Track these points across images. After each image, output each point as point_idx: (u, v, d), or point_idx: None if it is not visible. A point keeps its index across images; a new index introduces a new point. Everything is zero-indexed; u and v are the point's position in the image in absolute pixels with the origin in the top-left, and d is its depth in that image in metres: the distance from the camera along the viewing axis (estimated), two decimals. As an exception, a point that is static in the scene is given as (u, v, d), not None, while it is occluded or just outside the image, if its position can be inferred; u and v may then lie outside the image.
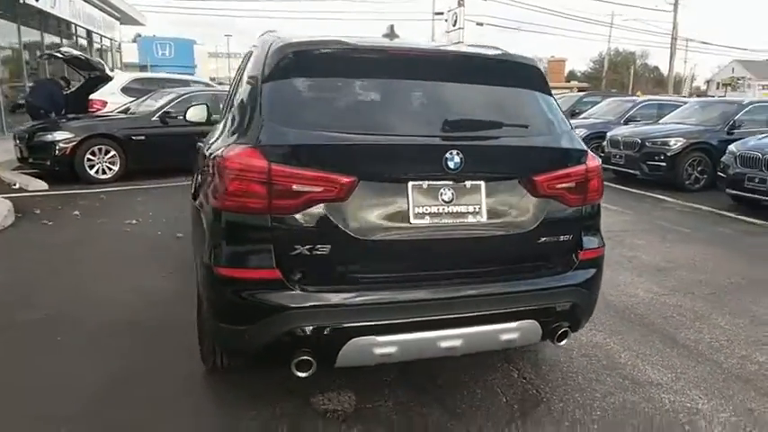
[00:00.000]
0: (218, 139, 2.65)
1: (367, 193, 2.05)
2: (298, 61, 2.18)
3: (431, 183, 2.12)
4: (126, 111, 9.44)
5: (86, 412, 2.43)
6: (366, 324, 2.05)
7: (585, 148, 2.42)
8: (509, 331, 2.24)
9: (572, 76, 63.46)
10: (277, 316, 2.01)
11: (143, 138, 8.39)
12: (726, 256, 5.14)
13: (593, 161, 2.40)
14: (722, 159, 7.28)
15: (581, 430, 2.39)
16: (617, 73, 52.60)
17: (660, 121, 10.13)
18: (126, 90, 11.01)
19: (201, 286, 2.31)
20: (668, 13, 45.63)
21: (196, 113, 4.44)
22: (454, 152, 2.09)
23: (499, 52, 2.49)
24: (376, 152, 2.10)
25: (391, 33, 2.64)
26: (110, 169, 8.19)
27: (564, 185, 2.30)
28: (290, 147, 2.01)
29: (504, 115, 2.32)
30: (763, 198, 6.61)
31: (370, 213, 2.07)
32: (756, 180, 6.65)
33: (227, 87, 18.15)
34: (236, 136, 2.21)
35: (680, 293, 4.07)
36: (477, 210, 2.18)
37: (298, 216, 2.01)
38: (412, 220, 2.10)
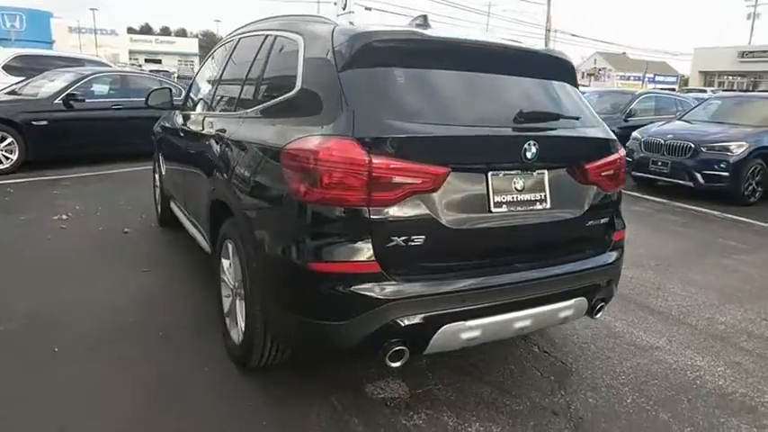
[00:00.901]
0: (246, 125, 2.55)
1: (453, 184, 2.10)
2: (378, 51, 2.15)
3: (506, 172, 2.23)
4: (12, 92, 8.41)
5: (142, 425, 2.26)
6: (456, 310, 2.12)
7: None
8: (566, 309, 2.42)
9: (451, 63, 66.16)
10: (378, 308, 2.01)
11: (45, 123, 7.53)
12: None
13: (622, 150, 2.65)
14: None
15: (617, 394, 2.65)
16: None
17: (681, 119, 8.84)
18: (8, 69, 9.74)
19: (273, 284, 2.21)
20: (541, 5, 48.97)
21: (159, 98, 4.15)
22: (531, 143, 2.21)
23: (544, 48, 2.64)
24: (465, 143, 2.15)
25: (425, 23, 2.66)
26: (6, 158, 7.28)
27: (605, 173, 2.52)
28: (390, 138, 2.00)
29: (559, 107, 2.48)
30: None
31: (457, 203, 2.14)
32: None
33: (127, 69, 16.61)
34: (306, 125, 2.13)
35: None
36: (543, 197, 2.33)
37: (396, 208, 2.02)
38: (492, 209, 2.20)
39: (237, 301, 2.68)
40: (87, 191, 6.55)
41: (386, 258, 2.03)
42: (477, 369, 2.82)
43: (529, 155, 2.22)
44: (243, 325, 2.59)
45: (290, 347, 2.46)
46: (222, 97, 3.32)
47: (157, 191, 5.17)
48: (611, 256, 2.62)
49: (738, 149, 7.18)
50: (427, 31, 2.35)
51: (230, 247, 2.69)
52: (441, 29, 2.70)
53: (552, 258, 2.41)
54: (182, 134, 3.72)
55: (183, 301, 3.47)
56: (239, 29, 3.59)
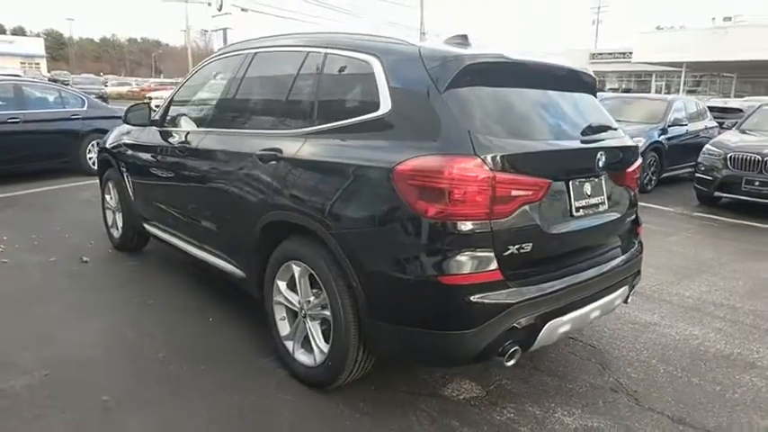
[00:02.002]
0: (314, 144, 2.55)
1: (549, 193, 2.31)
2: (474, 72, 2.29)
3: (580, 180, 2.49)
4: None
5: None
6: (556, 308, 2.34)
7: None
8: (619, 297, 2.75)
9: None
10: (502, 314, 2.16)
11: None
12: None
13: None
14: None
15: (650, 366, 3.04)
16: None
17: (742, 129, 8.22)
18: None
19: (389, 300, 2.26)
20: (409, 9, 50.56)
21: (139, 115, 3.93)
22: (601, 153, 2.49)
23: (578, 67, 2.92)
24: (558, 156, 2.37)
25: (464, 42, 2.80)
26: None
27: (635, 176, 2.89)
28: (507, 155, 2.16)
29: (606, 119, 2.79)
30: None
31: (550, 211, 2.35)
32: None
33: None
34: (413, 144, 2.21)
35: None
36: (603, 200, 2.62)
37: (512, 219, 2.18)
38: (573, 213, 2.45)
39: (309, 323, 2.66)
40: (4, 218, 5.83)
41: (504, 266, 2.19)
42: (527, 361, 3.05)
43: (600, 164, 2.50)
44: (322, 345, 2.59)
45: (404, 361, 2.51)
46: (249, 115, 3.21)
47: (113, 213, 4.80)
48: (639, 246, 2.99)
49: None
50: (517, 56, 2.53)
51: (296, 268, 2.67)
52: (487, 47, 2.89)
53: (610, 253, 2.72)
54: (184, 152, 3.52)
55: (208, 328, 3.32)
56: (245, 43, 3.49)
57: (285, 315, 2.85)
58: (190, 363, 2.90)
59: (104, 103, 9.27)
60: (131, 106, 4.02)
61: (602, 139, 2.63)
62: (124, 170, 4.38)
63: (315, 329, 2.65)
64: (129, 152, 4.29)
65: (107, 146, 4.71)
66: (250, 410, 2.52)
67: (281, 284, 2.80)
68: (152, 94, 23.11)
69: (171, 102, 4.00)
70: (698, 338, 3.41)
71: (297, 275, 2.67)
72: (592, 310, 2.54)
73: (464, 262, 2.13)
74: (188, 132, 3.59)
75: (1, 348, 3.00)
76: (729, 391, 2.83)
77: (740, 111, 12.05)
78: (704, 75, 35.59)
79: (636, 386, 2.84)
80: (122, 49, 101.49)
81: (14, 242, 4.93)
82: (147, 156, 4.03)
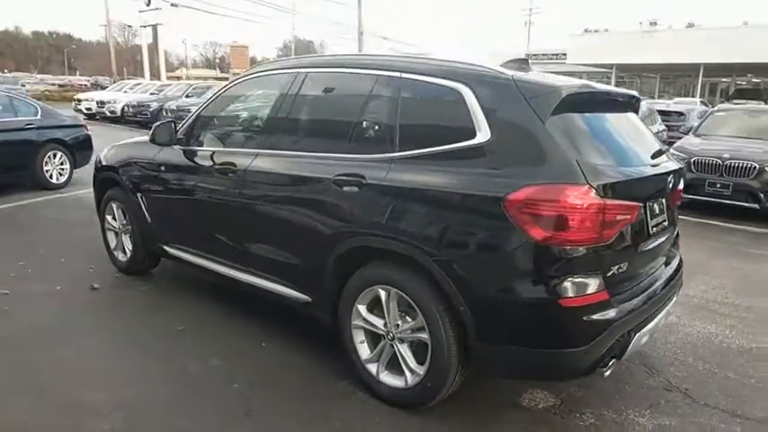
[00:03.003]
0: (403, 170, 2.62)
1: (638, 216, 2.51)
2: (569, 102, 2.44)
3: (653, 201, 2.70)
4: None
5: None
6: (641, 320, 2.54)
7: None
8: (673, 304, 3.00)
9: (257, 62, 64.98)
10: (608, 331, 2.34)
11: None
12: None
13: None
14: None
15: (690, 364, 3.33)
16: (299, 61, 56.17)
17: (698, 134, 8.82)
18: None
19: (503, 323, 2.38)
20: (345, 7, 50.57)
21: (164, 134, 3.85)
22: (671, 177, 2.72)
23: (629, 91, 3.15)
24: (645, 181, 2.57)
25: (525, 65, 2.94)
26: None
27: (681, 193, 3.15)
28: (611, 183, 2.33)
29: (658, 142, 3.03)
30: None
31: (638, 231, 2.55)
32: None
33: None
34: (521, 172, 2.33)
35: None
36: (665, 218, 2.86)
37: (614, 241, 2.36)
38: (650, 232, 2.66)
39: (398, 346, 2.73)
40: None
41: (609, 286, 2.37)
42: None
43: (670, 186, 2.73)
44: (415, 367, 2.67)
45: (512, 378, 2.62)
46: (310, 137, 3.20)
47: (116, 236, 4.60)
48: (680, 257, 3.27)
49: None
50: (591, 84, 2.71)
51: (382, 292, 2.72)
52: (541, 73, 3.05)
53: (668, 265, 2.97)
54: (225, 174, 3.43)
55: (267, 354, 3.29)
56: (290, 61, 3.48)
57: (364, 338, 2.89)
58: (268, 392, 2.88)
59: (58, 111, 8.70)
60: (158, 125, 3.87)
61: (667, 161, 2.86)
62: (137, 190, 4.20)
63: (405, 352, 2.71)
64: (146, 172, 4.13)
65: (110, 164, 4.51)
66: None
67: (362, 308, 2.84)
68: (81, 96, 21.74)
69: (197, 120, 3.89)
70: (717, 336, 3.75)
71: (384, 300, 2.73)
72: (660, 318, 2.77)
73: (580, 284, 2.28)
74: (230, 153, 3.52)
75: (61, 390, 2.85)
76: (761, 383, 3.16)
77: (682, 114, 13.02)
78: (630, 76, 38.00)
79: (685, 384, 3.11)
80: (27, 44, 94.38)
81: (9, 272, 4.60)
82: (172, 176, 3.91)
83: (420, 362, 2.67)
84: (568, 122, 2.45)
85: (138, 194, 4.21)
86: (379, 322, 2.80)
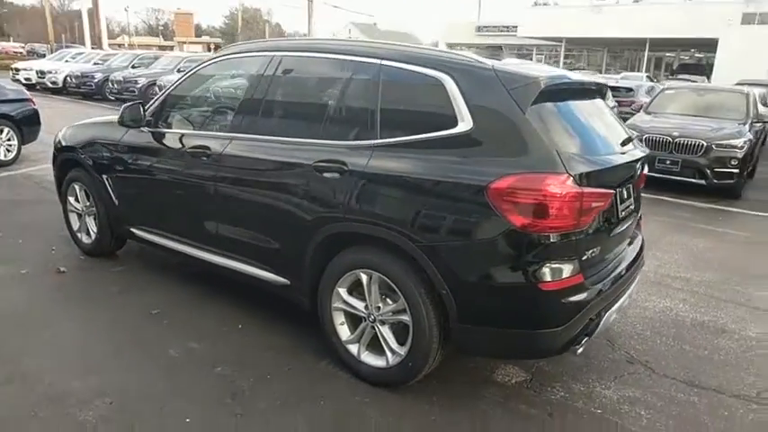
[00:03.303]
0: (385, 158, 2.66)
1: (609, 202, 2.65)
2: (548, 93, 2.53)
3: (622, 187, 2.84)
4: None
5: None
6: (612, 300, 2.70)
7: None
8: (637, 282, 3.19)
9: (202, 30, 62.64)
10: (583, 311, 2.48)
11: None
12: None
13: None
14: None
15: (658, 339, 3.55)
16: (251, 30, 54.52)
17: (648, 111, 9.18)
18: None
19: (484, 306, 2.48)
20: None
21: (133, 116, 3.74)
22: (640, 163, 2.86)
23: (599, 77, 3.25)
24: (617, 169, 2.69)
25: (499, 53, 3.05)
26: None
27: (642, 179, 3.31)
28: (587, 172, 2.44)
29: (626, 129, 3.16)
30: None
31: (609, 216, 2.69)
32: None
33: None
34: (502, 161, 2.41)
35: None
36: (632, 202, 3.01)
37: (589, 227, 2.48)
38: (620, 216, 2.81)
39: (379, 327, 2.81)
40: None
41: (584, 269, 2.50)
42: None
43: (638, 172, 2.87)
44: (396, 347, 2.76)
45: (490, 357, 2.74)
46: (286, 122, 3.18)
47: (79, 217, 4.48)
48: (641, 236, 3.45)
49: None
50: (567, 74, 2.81)
51: (364, 276, 2.79)
52: (516, 63, 3.13)
53: (632, 246, 3.14)
54: (199, 158, 3.38)
55: (245, 336, 3.32)
56: (265, 44, 3.42)
57: (344, 320, 2.96)
58: (251, 373, 2.92)
59: (2, 84, 8.23)
60: (127, 106, 3.75)
61: (635, 149, 3.00)
62: (103, 172, 4.09)
63: (387, 333, 2.80)
64: (112, 154, 4.01)
65: (71, 144, 4.36)
66: (343, 415, 2.64)
67: (342, 291, 2.90)
68: (20, 65, 20.53)
69: (166, 101, 3.80)
70: (672, 310, 4.01)
71: (366, 283, 2.79)
72: (626, 297, 2.95)
73: (558, 269, 2.41)
74: (203, 137, 3.47)
75: (43, 379, 2.80)
76: (715, 354, 3.41)
77: (631, 90, 13.42)
78: (579, 50, 38.78)
79: (645, 357, 3.32)
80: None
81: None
82: (141, 159, 3.82)
83: (401, 342, 2.76)
84: (546, 112, 2.54)
85: (104, 176, 4.10)
86: (359, 305, 2.87)
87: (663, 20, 26.44)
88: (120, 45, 45.96)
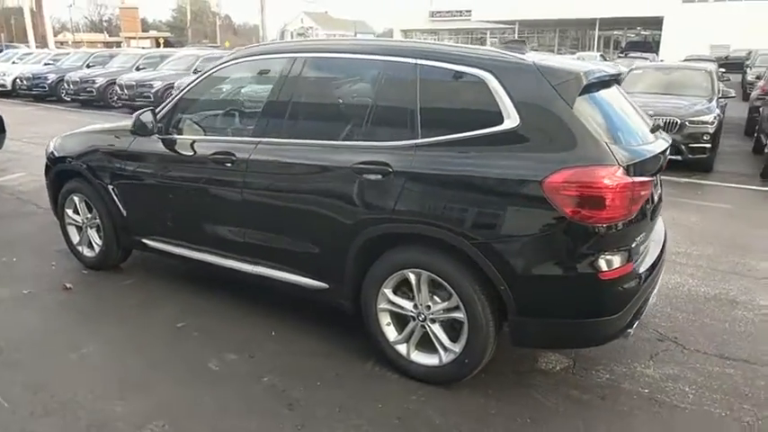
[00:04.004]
0: (428, 157, 2.66)
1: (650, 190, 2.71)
2: (589, 86, 2.59)
3: (655, 174, 2.90)
4: None
5: None
6: (653, 283, 2.80)
7: None
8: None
9: (148, 25, 60.43)
10: (636, 297, 2.55)
11: None
12: None
13: None
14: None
15: (680, 315, 3.68)
16: (200, 23, 53.00)
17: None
18: None
19: (545, 298, 2.52)
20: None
21: (145, 123, 3.62)
22: (668, 151, 2.94)
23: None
24: (655, 159, 2.75)
25: (522, 46, 3.03)
26: None
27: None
28: (636, 162, 2.49)
29: (647, 116, 3.23)
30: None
31: (648, 204, 2.75)
32: None
33: None
34: (554, 156, 2.44)
35: None
36: (659, 187, 3.10)
37: (637, 215, 2.54)
38: (654, 201, 2.89)
39: (430, 326, 2.81)
40: None
41: (633, 257, 2.57)
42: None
43: (665, 160, 2.94)
44: (449, 345, 2.77)
45: (547, 348, 2.79)
46: (318, 125, 3.12)
47: (80, 230, 4.30)
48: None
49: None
50: (604, 68, 2.85)
51: (412, 276, 2.78)
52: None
53: (658, 228, 3.22)
54: (222, 164, 3.28)
55: (282, 343, 3.27)
56: (284, 45, 3.34)
57: (390, 321, 2.95)
58: (300, 382, 2.88)
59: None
60: (141, 113, 3.59)
61: (662, 136, 3.07)
62: (108, 182, 3.93)
63: (438, 331, 2.80)
64: (118, 163, 3.85)
65: (69, 154, 4.18)
66: (405, 416, 2.63)
67: (388, 292, 2.88)
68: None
69: (177, 106, 3.66)
70: (684, 285, 4.16)
71: (414, 283, 2.78)
72: (660, 279, 3.04)
73: (614, 258, 2.46)
74: (225, 142, 3.37)
75: (83, 406, 2.69)
76: (735, 325, 3.57)
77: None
78: (530, 31, 39.42)
79: (673, 333, 3.44)
80: None
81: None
82: (153, 167, 3.69)
83: (452, 339, 2.78)
84: (588, 105, 2.58)
85: (110, 186, 3.93)
86: (407, 304, 2.86)
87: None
88: (62, 43, 43.88)
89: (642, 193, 2.53)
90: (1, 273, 4.27)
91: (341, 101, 3.17)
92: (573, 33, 38.68)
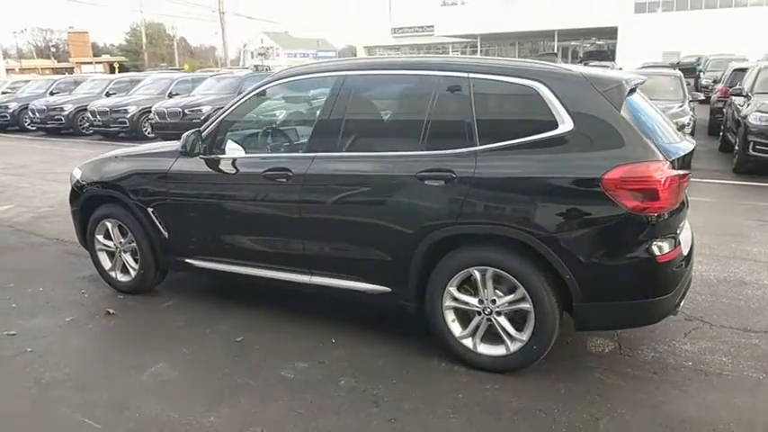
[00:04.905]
0: (493, 162, 2.89)
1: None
2: (630, 92, 2.91)
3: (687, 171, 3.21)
4: None
5: None
6: (691, 264, 3.11)
7: None
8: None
9: (100, 49, 59.18)
10: (684, 277, 2.86)
11: None
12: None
13: None
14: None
15: (699, 297, 4.01)
16: (155, 46, 52.23)
17: None
18: None
19: (611, 283, 2.78)
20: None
21: (193, 144, 3.74)
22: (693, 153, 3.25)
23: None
24: (689, 154, 3.05)
25: (555, 57, 3.37)
26: None
27: None
28: (678, 158, 2.80)
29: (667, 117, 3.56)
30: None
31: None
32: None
33: None
34: (607, 154, 2.71)
35: None
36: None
37: (679, 205, 2.84)
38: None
39: (496, 319, 3.02)
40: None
41: (678, 241, 2.86)
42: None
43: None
44: (516, 334, 2.98)
45: (607, 329, 3.03)
46: (375, 138, 3.32)
47: (112, 256, 4.34)
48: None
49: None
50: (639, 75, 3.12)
51: (477, 273, 2.99)
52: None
53: None
54: (275, 180, 3.43)
55: (345, 348, 3.41)
56: (327, 64, 3.52)
57: (455, 317, 3.15)
58: (377, 382, 3.03)
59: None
60: (189, 134, 3.68)
61: (687, 139, 3.36)
62: (147, 205, 3.99)
63: (504, 323, 3.02)
64: (160, 185, 3.93)
65: (101, 180, 4.24)
66: (486, 404, 2.82)
67: (453, 290, 3.09)
68: None
69: (219, 127, 3.78)
70: (695, 271, 4.41)
71: (480, 279, 3.00)
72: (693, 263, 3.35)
73: (667, 242, 2.76)
74: (277, 159, 3.52)
75: (175, 419, 2.77)
76: (749, 303, 3.93)
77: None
78: (491, 44, 40.63)
79: (698, 313, 3.76)
80: None
81: (-13, 308, 4.15)
82: (199, 187, 3.80)
83: (517, 329, 2.99)
84: (630, 109, 2.87)
85: (149, 209, 4.00)
86: (472, 300, 3.07)
87: (568, 11, 28.42)
88: (8, 70, 42.46)
89: (684, 184, 2.83)
90: (34, 303, 4.26)
91: (397, 114, 3.38)
92: (532, 45, 40.21)
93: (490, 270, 2.97)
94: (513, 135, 2.93)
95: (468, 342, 3.12)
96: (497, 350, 3.06)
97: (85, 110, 14.52)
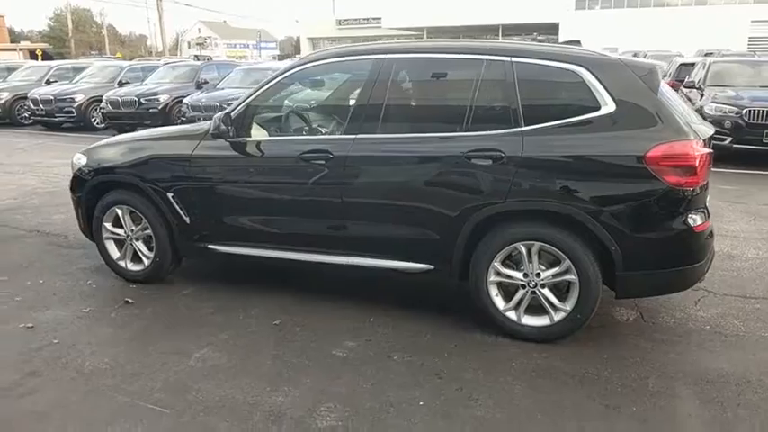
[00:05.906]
0: (539, 142, 3.06)
1: None
2: (661, 77, 3.13)
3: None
4: None
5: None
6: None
7: None
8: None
9: (17, 35, 55.25)
10: (711, 248, 3.15)
11: None
12: None
13: None
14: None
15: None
16: (82, 32, 49.36)
17: None
18: None
19: (653, 252, 3.00)
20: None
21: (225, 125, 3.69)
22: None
23: None
24: (711, 136, 3.32)
25: (578, 44, 3.58)
26: None
27: None
28: (706, 138, 3.05)
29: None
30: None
31: None
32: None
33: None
34: (648, 134, 2.93)
35: None
36: None
37: (707, 181, 3.11)
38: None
39: (541, 291, 3.19)
40: None
41: (708, 214, 3.13)
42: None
43: None
44: (560, 305, 3.16)
45: (646, 296, 3.25)
46: (418, 119, 3.40)
47: (122, 245, 4.21)
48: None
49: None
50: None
51: (523, 248, 3.15)
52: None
53: None
54: (314, 162, 3.45)
55: (387, 326, 3.50)
56: (364, 47, 3.57)
57: (498, 291, 3.30)
58: (429, 356, 3.13)
59: None
60: (220, 116, 3.61)
61: (706, 123, 3.66)
62: (167, 190, 3.89)
63: (549, 295, 3.19)
64: (183, 169, 3.84)
65: (114, 165, 4.10)
66: (540, 371, 2.99)
67: (498, 265, 3.23)
68: None
69: (247, 110, 3.73)
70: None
71: (525, 253, 3.15)
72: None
73: (701, 214, 3.05)
74: (315, 141, 3.53)
75: (243, 399, 2.77)
76: (741, 273, 4.32)
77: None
78: (439, 37, 41.23)
79: (702, 284, 4.08)
80: None
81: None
82: (227, 171, 3.76)
83: (561, 300, 3.18)
84: (665, 92, 3.11)
85: (169, 195, 3.91)
86: (516, 274, 3.22)
87: (512, 6, 29.37)
88: None
89: (710, 161, 3.10)
90: (40, 295, 4.07)
91: (441, 96, 3.48)
92: (478, 38, 41.18)
93: (537, 245, 3.13)
94: (557, 116, 3.10)
95: (512, 314, 3.28)
96: (542, 321, 3.23)
97: (25, 98, 13.60)
